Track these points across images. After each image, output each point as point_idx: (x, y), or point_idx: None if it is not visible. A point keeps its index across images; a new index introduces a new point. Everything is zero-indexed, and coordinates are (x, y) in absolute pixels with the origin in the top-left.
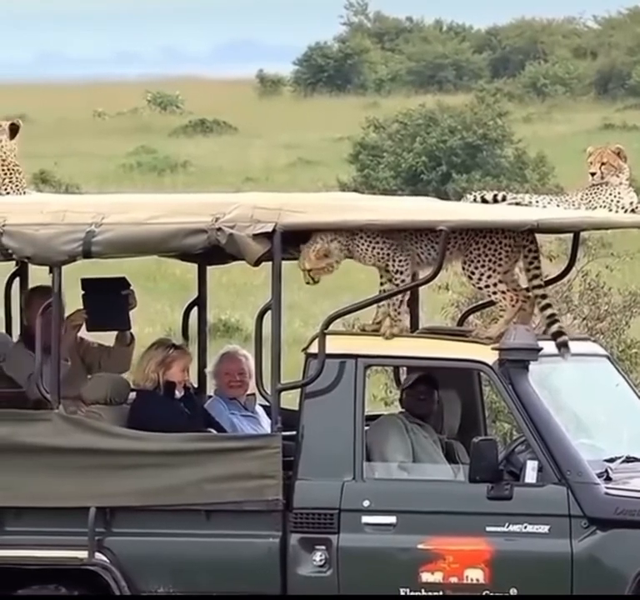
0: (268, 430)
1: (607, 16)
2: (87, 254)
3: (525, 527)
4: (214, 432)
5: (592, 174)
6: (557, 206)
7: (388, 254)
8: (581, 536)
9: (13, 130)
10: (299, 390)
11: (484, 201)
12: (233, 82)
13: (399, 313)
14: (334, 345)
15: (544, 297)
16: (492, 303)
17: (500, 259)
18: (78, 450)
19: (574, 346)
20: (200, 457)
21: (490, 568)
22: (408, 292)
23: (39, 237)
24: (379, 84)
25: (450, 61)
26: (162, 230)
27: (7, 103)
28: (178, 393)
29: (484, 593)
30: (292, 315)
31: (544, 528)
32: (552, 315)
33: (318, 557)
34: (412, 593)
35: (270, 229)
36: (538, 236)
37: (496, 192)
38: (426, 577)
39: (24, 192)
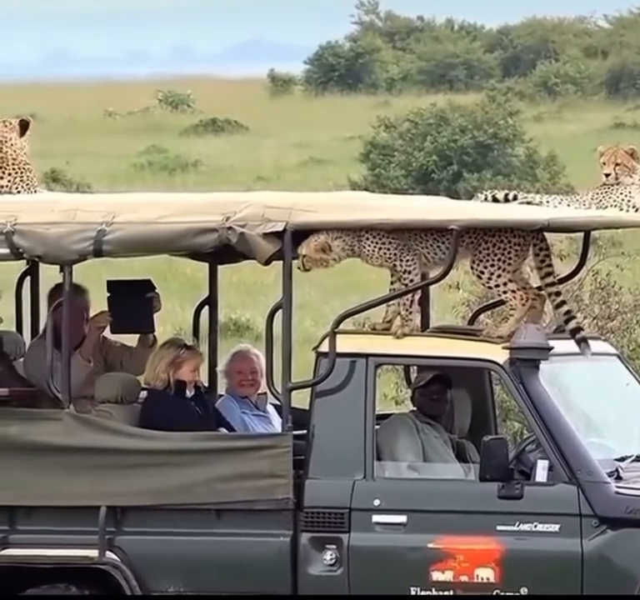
0: (279, 429)
1: (618, 15)
2: (97, 253)
3: (535, 527)
4: (225, 431)
5: (607, 175)
6: (568, 205)
7: (395, 254)
8: (591, 535)
9: (23, 127)
10: (310, 389)
11: (495, 200)
12: (244, 81)
13: (410, 313)
14: (345, 344)
15: (558, 294)
16: (502, 302)
17: (509, 258)
18: (89, 449)
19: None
20: (210, 456)
21: (500, 567)
22: (419, 292)
23: (50, 236)
24: (390, 83)
25: (461, 60)
26: (172, 229)
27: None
28: (189, 392)
29: (494, 592)
30: (302, 314)
31: (555, 527)
32: (568, 312)
33: (329, 556)
34: (423, 592)
35: (281, 228)
36: (549, 235)
37: (507, 192)
38: (436, 576)
39: (35, 191)
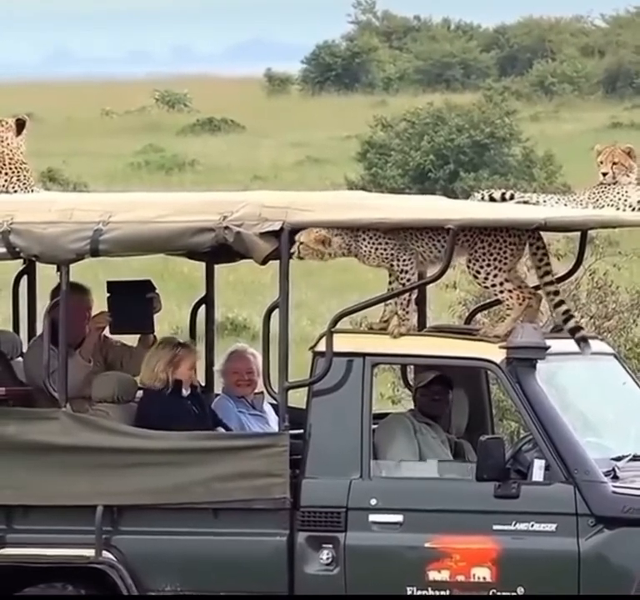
0: (276, 429)
1: (615, 14)
2: (94, 253)
3: (532, 526)
4: (222, 430)
5: (604, 174)
6: (565, 205)
7: (392, 254)
8: (588, 534)
9: (20, 126)
10: (307, 388)
11: (492, 199)
12: (242, 80)
13: (407, 312)
14: (342, 343)
15: (557, 293)
16: (499, 302)
17: (505, 258)
18: (86, 448)
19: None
20: (207, 455)
21: (497, 567)
22: (416, 291)
23: (47, 235)
24: (387, 83)
25: (458, 59)
26: (169, 228)
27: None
28: (185, 391)
29: (491, 592)
30: (299, 313)
31: (551, 527)
32: (567, 311)
33: (325, 555)
34: (419, 592)
35: (278, 227)
36: (546, 234)
37: (504, 191)
38: (433, 575)
39: (32, 191)
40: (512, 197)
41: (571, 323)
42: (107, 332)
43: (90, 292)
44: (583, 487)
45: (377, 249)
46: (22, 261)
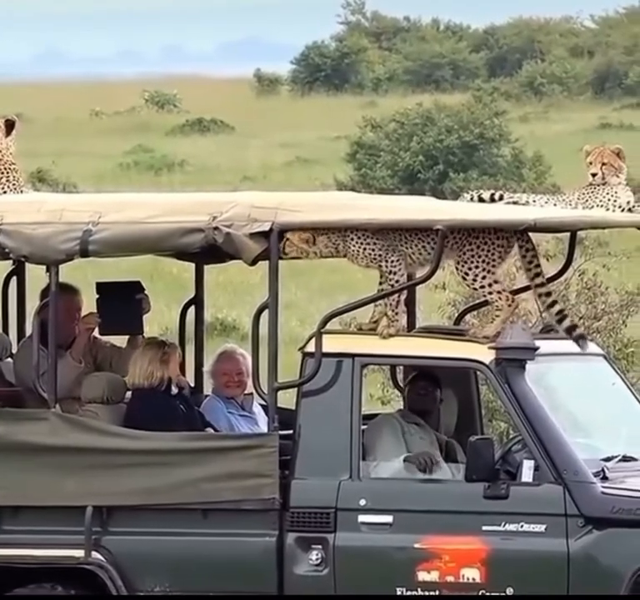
0: (265, 430)
1: (605, 15)
2: (84, 253)
3: (521, 527)
4: (211, 431)
5: (594, 175)
6: (555, 205)
7: (380, 255)
8: (577, 535)
9: (9, 126)
10: (296, 389)
11: (481, 200)
12: (231, 81)
13: (396, 313)
14: (331, 344)
15: (549, 294)
16: (488, 303)
17: (494, 259)
18: (75, 449)
19: (571, 345)
20: (197, 456)
21: (486, 567)
22: (405, 292)
23: (36, 236)
24: (376, 83)
25: (447, 60)
26: (159, 229)
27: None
28: (174, 389)
29: (480, 593)
30: (288, 314)
31: (540, 527)
32: (561, 311)
33: (315, 556)
34: (409, 593)
35: (267, 228)
36: (536, 235)
37: (493, 192)
38: (422, 576)
39: (21, 191)
40: (501, 198)
41: (566, 323)
42: (96, 332)
43: (80, 293)
44: (573, 487)
45: (365, 249)
46: (11, 261)
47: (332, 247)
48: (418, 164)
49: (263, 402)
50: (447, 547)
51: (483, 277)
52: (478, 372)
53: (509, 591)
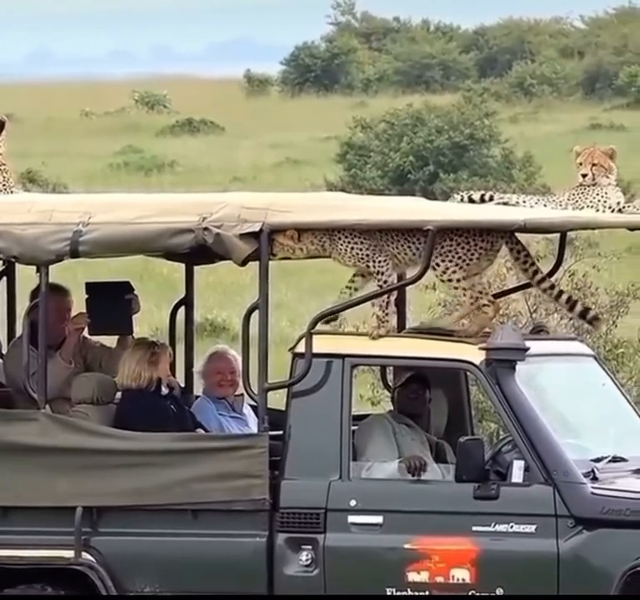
0: (256, 430)
1: (594, 16)
2: (74, 254)
3: (511, 527)
4: (201, 432)
5: (584, 176)
6: (545, 206)
7: (368, 255)
8: (567, 535)
9: None
10: (286, 390)
11: (471, 201)
12: (221, 81)
13: (386, 313)
14: (321, 345)
15: (552, 287)
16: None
17: (470, 259)
18: (65, 449)
19: (561, 345)
20: (187, 456)
21: (476, 568)
22: (395, 292)
23: (26, 236)
24: (366, 84)
25: (437, 61)
26: (149, 230)
27: None
28: (164, 390)
29: (470, 593)
30: (279, 315)
31: (530, 528)
32: (569, 298)
33: (305, 556)
34: (399, 593)
35: (257, 229)
36: (526, 236)
37: (483, 192)
38: (412, 576)
39: (11, 192)
40: (491, 199)
41: (578, 307)
42: (86, 332)
43: (70, 294)
44: (562, 488)
45: (352, 249)
46: (0, 262)
47: (318, 244)
48: (408, 165)
49: (253, 403)
50: (437, 547)
51: (454, 272)
52: (468, 373)
53: (499, 591)
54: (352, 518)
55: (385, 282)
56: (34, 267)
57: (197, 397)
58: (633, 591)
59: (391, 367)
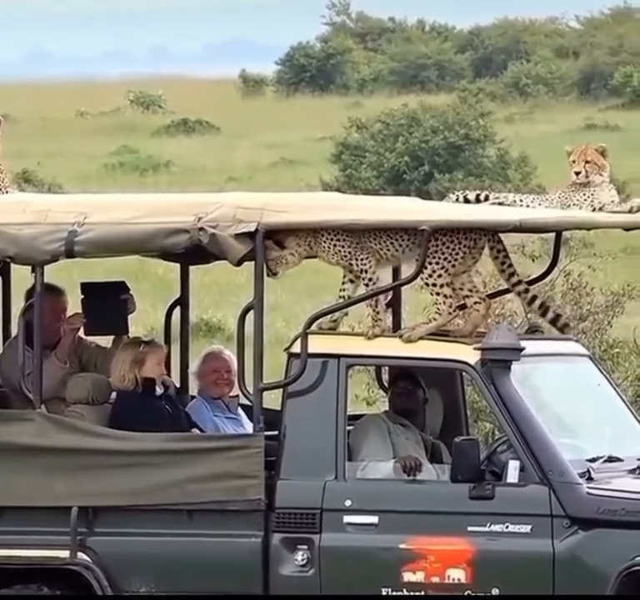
0: (251, 431)
1: (590, 16)
2: (69, 254)
3: (507, 527)
4: (197, 432)
5: (577, 173)
6: (539, 205)
7: (350, 253)
8: (563, 536)
9: None
10: (281, 390)
11: (467, 201)
12: (216, 81)
13: (378, 312)
14: (316, 345)
15: (527, 291)
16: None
17: (455, 259)
18: (60, 450)
19: (556, 345)
20: (182, 456)
21: (472, 568)
22: (390, 292)
23: (22, 236)
24: (361, 84)
25: (432, 61)
26: (144, 230)
27: None
28: (159, 390)
29: (466, 593)
30: (274, 315)
31: (526, 528)
32: (542, 304)
33: (300, 556)
34: (394, 593)
35: (252, 229)
36: (521, 236)
37: (478, 192)
38: (408, 576)
39: (7, 192)
40: (486, 198)
41: (550, 314)
42: (81, 333)
43: (65, 294)
44: (558, 488)
45: (335, 247)
46: None
47: (305, 245)
48: (404, 165)
49: (248, 403)
50: (432, 547)
51: (439, 276)
52: (464, 373)
53: (494, 591)
54: (347, 518)
55: (370, 279)
56: (29, 267)
57: (192, 397)
58: (629, 591)
59: (386, 368)
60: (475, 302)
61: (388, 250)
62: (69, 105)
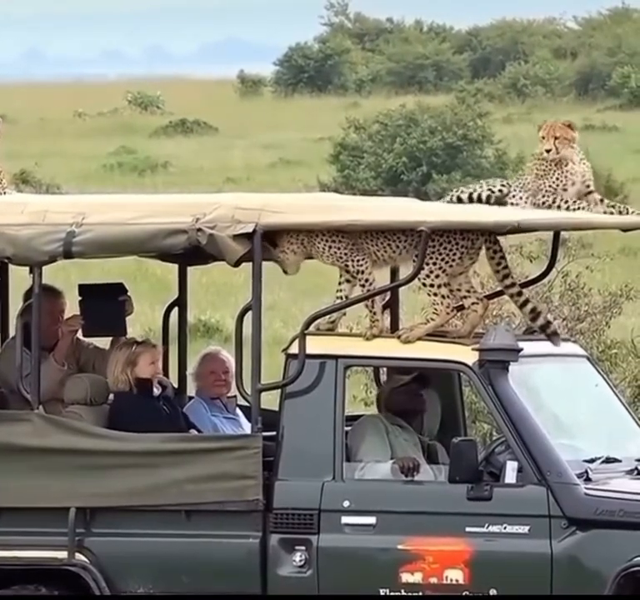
0: (249, 432)
1: (588, 16)
2: (67, 254)
3: (505, 528)
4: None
5: (548, 151)
6: (515, 190)
7: (346, 254)
8: (560, 536)
9: None
10: (279, 390)
11: (460, 200)
12: (215, 82)
13: (374, 313)
14: (314, 345)
15: (520, 294)
16: (463, 307)
17: (453, 260)
18: (58, 450)
19: (554, 346)
20: (180, 457)
21: (470, 569)
22: (388, 293)
23: (20, 237)
24: (359, 85)
25: (430, 61)
26: (142, 230)
27: None
28: (156, 390)
29: (464, 594)
30: (272, 315)
31: (524, 529)
32: (534, 309)
33: (298, 557)
34: (392, 594)
35: (250, 230)
36: (519, 236)
37: (471, 190)
38: (406, 577)
39: (5, 193)
40: (480, 199)
41: (540, 320)
42: (79, 334)
43: (63, 295)
44: (556, 489)
45: (330, 248)
46: None
47: (302, 247)
48: (402, 165)
49: (246, 404)
50: (430, 548)
51: (437, 276)
52: (462, 374)
53: (492, 592)
54: (345, 519)
55: (366, 280)
56: (27, 268)
57: (190, 398)
58: (627, 592)
59: (384, 368)
60: (473, 303)
61: (385, 251)
62: (66, 105)
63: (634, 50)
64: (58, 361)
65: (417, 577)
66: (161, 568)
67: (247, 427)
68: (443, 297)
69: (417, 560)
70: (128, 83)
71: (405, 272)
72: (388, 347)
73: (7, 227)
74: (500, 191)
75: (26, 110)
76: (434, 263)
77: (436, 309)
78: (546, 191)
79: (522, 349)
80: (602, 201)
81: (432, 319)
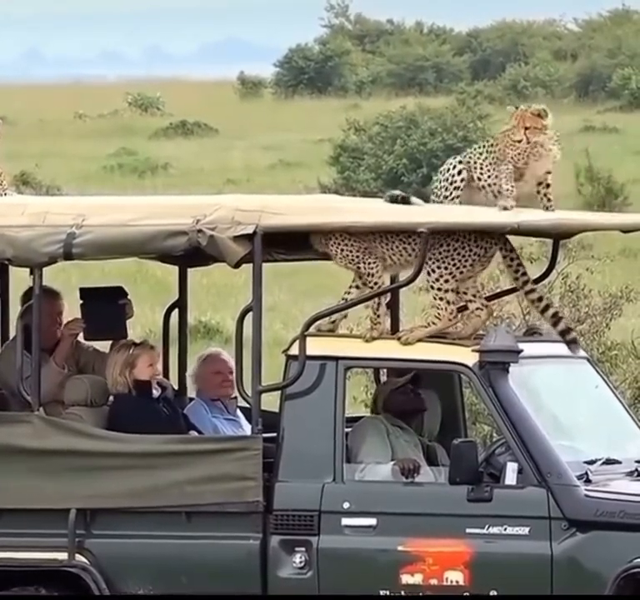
0: (249, 433)
1: (588, 18)
2: (68, 256)
3: (505, 529)
4: (195, 434)
5: (519, 141)
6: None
7: (358, 257)
8: (561, 538)
9: None
10: (280, 392)
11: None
12: (214, 83)
13: (378, 315)
14: (315, 347)
15: (540, 299)
16: (465, 308)
17: (463, 266)
18: (59, 451)
19: (554, 348)
20: (180, 458)
21: (470, 570)
22: (388, 294)
23: (20, 238)
24: (360, 86)
25: (430, 63)
26: (142, 232)
27: None
28: (155, 392)
29: (464, 595)
30: (272, 317)
31: (524, 530)
32: (555, 314)
33: (298, 558)
34: (392, 595)
35: (251, 231)
36: (518, 238)
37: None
38: (406, 578)
39: (5, 194)
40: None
41: (561, 326)
42: (80, 337)
43: (61, 297)
44: (556, 490)
45: (342, 251)
46: None
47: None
48: (402, 167)
49: (246, 405)
50: (430, 549)
51: (446, 281)
52: (462, 375)
53: (493, 593)
54: (345, 520)
55: (375, 283)
56: (27, 270)
57: (191, 399)
58: (627, 593)
59: (384, 370)
60: (477, 308)
61: (402, 255)
62: (66, 107)
63: (634, 51)
64: (59, 363)
65: (417, 579)
66: (161, 570)
67: (247, 429)
68: (448, 302)
69: (417, 561)
70: (128, 84)
71: (404, 273)
72: (389, 349)
73: (7, 229)
74: (462, 179)
75: (25, 111)
76: (445, 268)
77: (438, 313)
78: (507, 174)
79: (522, 350)
80: (545, 196)
81: (434, 323)
